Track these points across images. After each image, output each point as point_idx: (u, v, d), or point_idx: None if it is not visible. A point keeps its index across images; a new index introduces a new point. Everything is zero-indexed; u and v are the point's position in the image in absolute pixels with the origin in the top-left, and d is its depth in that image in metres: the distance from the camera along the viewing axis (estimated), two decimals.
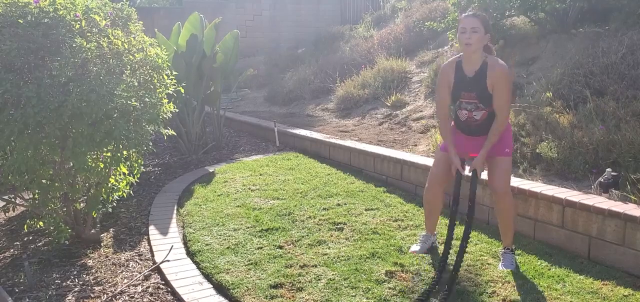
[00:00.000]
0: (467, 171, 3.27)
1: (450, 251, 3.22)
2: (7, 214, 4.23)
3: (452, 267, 3.07)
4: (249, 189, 4.96)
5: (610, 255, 3.20)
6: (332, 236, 3.77)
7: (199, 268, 3.39)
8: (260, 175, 5.42)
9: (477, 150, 3.21)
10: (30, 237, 4.04)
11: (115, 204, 4.14)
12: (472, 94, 3.10)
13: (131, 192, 4.17)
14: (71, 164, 3.52)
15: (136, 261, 3.61)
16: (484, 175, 3.36)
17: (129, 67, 3.77)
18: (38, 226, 3.67)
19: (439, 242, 3.59)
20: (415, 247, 3.48)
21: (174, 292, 3.15)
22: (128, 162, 3.91)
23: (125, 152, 3.74)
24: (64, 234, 3.56)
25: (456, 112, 3.25)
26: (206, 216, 4.27)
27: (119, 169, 3.86)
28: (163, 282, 3.30)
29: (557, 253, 3.40)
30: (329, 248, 3.56)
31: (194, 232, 3.93)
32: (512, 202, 3.25)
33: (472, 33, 3.02)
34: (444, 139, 3.34)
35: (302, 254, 3.48)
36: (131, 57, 3.78)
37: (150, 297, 3.11)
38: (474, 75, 3.08)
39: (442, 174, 3.38)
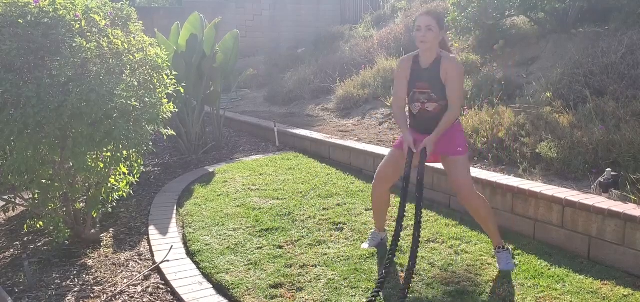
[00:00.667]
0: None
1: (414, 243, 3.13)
2: (7, 214, 4.23)
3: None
4: (249, 189, 4.96)
5: (610, 255, 3.20)
6: (332, 236, 3.77)
7: (198, 268, 3.39)
8: (260, 175, 5.42)
9: (434, 149, 3.25)
10: (30, 237, 4.04)
11: (115, 204, 4.14)
12: (425, 84, 3.18)
13: (131, 192, 4.17)
14: (71, 164, 3.52)
15: (136, 261, 3.61)
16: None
17: (128, 67, 3.77)
18: (38, 226, 3.67)
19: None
20: (364, 244, 3.57)
21: (173, 292, 3.15)
22: (128, 162, 3.91)
23: (125, 152, 3.74)
24: (63, 234, 3.56)
25: (410, 106, 3.32)
26: (206, 215, 4.27)
27: (118, 169, 3.86)
28: (163, 282, 3.30)
29: (557, 253, 3.40)
30: (329, 248, 3.56)
31: (193, 232, 3.93)
32: (480, 201, 3.23)
33: (427, 31, 3.10)
34: (399, 124, 3.37)
35: (302, 254, 3.49)
36: (131, 57, 3.78)
37: (150, 297, 3.11)
38: (429, 67, 3.19)
39: (391, 173, 3.43)
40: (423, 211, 4.20)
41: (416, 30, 3.14)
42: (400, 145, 3.37)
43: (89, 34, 3.61)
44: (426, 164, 3.27)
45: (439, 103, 3.19)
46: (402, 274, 3.15)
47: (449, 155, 3.24)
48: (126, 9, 3.93)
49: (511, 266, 3.20)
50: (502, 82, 5.81)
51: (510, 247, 3.48)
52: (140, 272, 3.42)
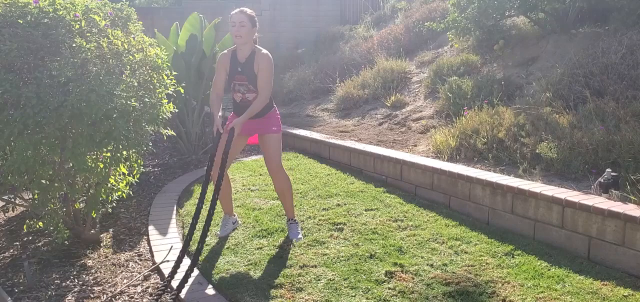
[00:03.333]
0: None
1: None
2: (6, 214, 4.23)
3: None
4: (249, 189, 4.96)
5: (610, 255, 3.20)
6: (331, 236, 3.77)
7: (198, 268, 3.39)
8: (260, 175, 5.42)
9: (256, 131, 3.71)
10: (30, 238, 4.04)
11: (114, 205, 4.13)
12: (243, 77, 3.58)
13: (131, 192, 4.17)
14: (71, 165, 3.52)
15: (136, 261, 3.61)
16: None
17: (128, 67, 3.77)
18: (38, 226, 3.67)
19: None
20: (219, 232, 3.86)
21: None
22: (128, 163, 3.91)
23: (124, 153, 3.73)
24: (62, 235, 3.55)
25: (232, 96, 3.70)
26: (206, 216, 4.26)
27: (118, 169, 3.86)
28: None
29: (557, 253, 3.40)
30: (329, 248, 3.56)
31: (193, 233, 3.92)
32: (285, 177, 3.72)
33: (240, 27, 3.52)
34: (212, 109, 3.67)
35: (302, 254, 3.48)
36: (131, 57, 3.78)
37: (149, 298, 3.11)
38: (245, 62, 3.59)
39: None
40: (423, 211, 4.21)
41: (231, 26, 3.54)
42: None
43: (89, 34, 3.60)
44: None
45: (257, 92, 3.58)
46: (403, 275, 3.16)
47: (265, 133, 3.67)
48: (126, 9, 3.93)
49: (297, 235, 3.71)
50: (502, 83, 5.81)
51: (511, 247, 3.49)
52: (140, 273, 3.42)
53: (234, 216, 3.99)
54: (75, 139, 3.39)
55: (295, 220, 3.84)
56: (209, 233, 3.75)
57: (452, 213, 4.15)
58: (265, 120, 3.68)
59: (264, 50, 3.64)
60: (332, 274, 3.18)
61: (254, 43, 3.65)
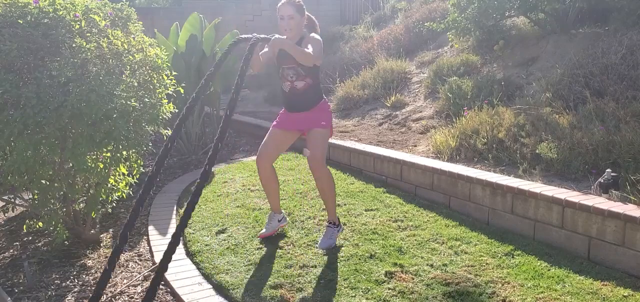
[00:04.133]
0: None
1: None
2: (6, 214, 4.23)
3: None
4: (249, 189, 4.96)
5: (610, 255, 3.20)
6: None
7: (198, 268, 3.39)
8: None
9: (305, 125, 3.52)
10: (30, 238, 4.04)
11: (114, 205, 4.14)
12: (292, 59, 3.35)
13: (131, 192, 4.17)
14: (71, 165, 3.52)
15: (136, 261, 3.61)
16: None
17: (128, 67, 3.77)
18: (37, 227, 3.67)
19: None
20: (263, 231, 3.74)
21: (173, 293, 3.15)
22: (128, 163, 3.91)
23: (124, 153, 3.73)
24: (61, 235, 3.55)
25: (281, 86, 3.57)
26: (206, 216, 4.27)
27: (118, 169, 3.86)
28: (163, 282, 3.30)
29: (557, 253, 3.40)
30: (329, 249, 3.55)
31: (193, 233, 3.93)
32: (327, 175, 3.51)
33: (289, 20, 3.38)
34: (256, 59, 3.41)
35: (302, 254, 3.48)
36: (131, 57, 3.78)
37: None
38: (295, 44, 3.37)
39: (272, 149, 3.64)
40: (423, 211, 4.21)
41: (280, 19, 3.40)
42: (279, 124, 3.64)
43: (89, 34, 3.61)
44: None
45: (306, 81, 3.46)
46: (403, 275, 3.16)
47: (313, 127, 3.50)
48: (126, 9, 3.93)
49: (331, 242, 3.52)
50: (502, 83, 5.81)
51: (511, 247, 3.49)
52: (140, 273, 3.42)
53: (281, 213, 3.83)
54: (75, 139, 3.39)
55: (336, 223, 3.62)
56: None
57: (452, 213, 4.15)
58: (314, 114, 3.53)
59: (313, 33, 3.50)
60: (332, 274, 3.18)
61: (310, 28, 3.52)
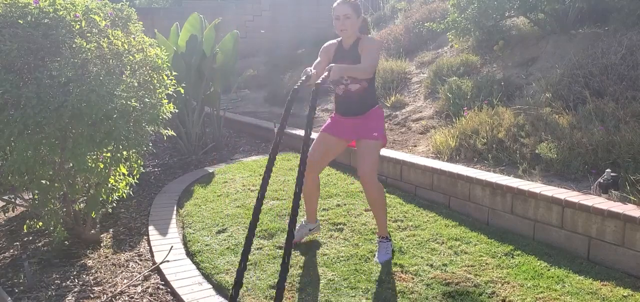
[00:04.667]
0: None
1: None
2: (6, 214, 4.23)
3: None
4: (249, 189, 4.97)
5: (610, 255, 3.21)
6: (331, 236, 3.77)
7: (198, 268, 3.40)
8: (260, 176, 5.41)
9: (356, 134, 3.40)
10: (30, 238, 4.04)
11: (115, 205, 4.14)
12: (348, 62, 3.28)
13: (131, 192, 4.17)
14: (71, 165, 3.52)
15: (136, 261, 3.61)
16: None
17: (128, 67, 3.77)
18: (38, 227, 3.67)
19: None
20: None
21: (173, 293, 3.15)
22: (128, 163, 3.91)
23: (125, 153, 3.74)
24: (60, 234, 3.55)
25: (335, 89, 3.47)
26: (206, 216, 4.27)
27: (118, 169, 3.86)
28: (163, 282, 3.31)
29: (557, 254, 3.40)
30: (329, 248, 3.56)
31: (193, 233, 3.93)
32: (379, 189, 3.36)
33: (345, 19, 3.29)
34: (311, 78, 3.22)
35: (302, 254, 3.49)
36: (131, 57, 3.79)
37: (150, 298, 3.11)
38: (349, 47, 3.38)
39: (319, 158, 3.49)
40: (423, 211, 4.21)
41: (335, 19, 3.32)
42: (330, 128, 3.52)
43: (89, 34, 3.61)
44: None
45: (361, 83, 3.35)
46: (403, 275, 3.16)
47: (362, 138, 3.37)
48: (126, 9, 3.93)
49: (387, 256, 3.36)
50: (502, 83, 5.81)
51: (510, 247, 3.49)
52: (140, 273, 3.42)
53: (317, 221, 3.73)
54: (75, 139, 3.39)
55: (388, 238, 3.46)
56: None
57: (452, 213, 4.15)
58: (366, 121, 3.39)
59: (371, 36, 3.41)
60: (332, 274, 3.18)
61: (361, 31, 3.41)
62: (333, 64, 3.11)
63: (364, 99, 3.40)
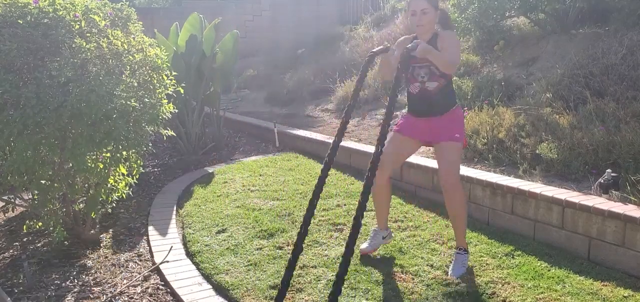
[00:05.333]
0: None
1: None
2: (6, 214, 4.23)
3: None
4: (249, 189, 4.96)
5: (610, 256, 3.20)
6: (331, 236, 3.77)
7: (198, 269, 3.39)
8: (260, 176, 5.42)
9: (432, 136, 3.14)
10: (30, 238, 4.03)
11: (114, 205, 4.13)
12: (424, 58, 2.97)
13: (131, 192, 4.17)
14: (70, 165, 3.52)
15: (136, 262, 3.60)
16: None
17: (128, 67, 3.77)
18: (37, 227, 3.67)
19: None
20: (364, 245, 3.40)
21: (173, 293, 3.14)
22: (127, 163, 3.91)
23: (124, 153, 3.73)
24: (59, 235, 3.55)
25: (409, 88, 3.20)
26: (206, 216, 4.27)
27: (118, 169, 3.86)
28: (162, 282, 3.30)
29: (557, 254, 3.39)
30: (329, 249, 3.55)
31: (193, 233, 3.93)
32: (462, 197, 3.14)
33: (422, 15, 3.04)
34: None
35: (302, 254, 3.48)
36: (131, 57, 3.78)
37: (149, 298, 3.11)
38: (427, 42, 3.03)
39: (391, 158, 3.25)
40: (423, 211, 4.21)
41: (412, 15, 3.08)
42: (402, 128, 3.28)
43: (89, 34, 3.60)
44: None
45: (439, 81, 3.09)
46: (403, 276, 3.15)
47: (443, 140, 3.11)
48: (126, 9, 3.93)
49: (462, 269, 3.12)
50: (502, 83, 5.81)
51: (511, 248, 3.48)
52: (139, 273, 3.41)
53: (388, 229, 3.47)
54: (75, 139, 3.38)
55: (465, 249, 3.20)
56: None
57: None
58: (445, 122, 3.13)
59: (447, 30, 3.17)
60: (332, 275, 3.17)
61: (443, 24, 3.18)
62: (414, 44, 2.83)
63: (442, 97, 3.13)
